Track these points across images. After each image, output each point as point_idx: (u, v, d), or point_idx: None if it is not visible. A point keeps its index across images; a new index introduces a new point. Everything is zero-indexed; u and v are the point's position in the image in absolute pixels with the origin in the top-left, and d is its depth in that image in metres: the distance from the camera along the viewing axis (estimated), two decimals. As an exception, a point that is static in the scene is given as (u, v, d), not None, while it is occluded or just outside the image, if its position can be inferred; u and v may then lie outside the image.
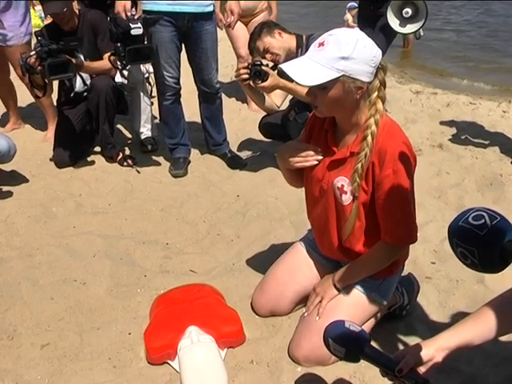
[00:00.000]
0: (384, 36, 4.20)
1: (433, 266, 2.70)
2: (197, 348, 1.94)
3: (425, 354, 1.45)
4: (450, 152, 4.22)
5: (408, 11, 3.78)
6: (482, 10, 13.32)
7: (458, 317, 2.32)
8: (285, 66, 1.81)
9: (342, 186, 1.93)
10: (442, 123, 4.88)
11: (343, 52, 1.72)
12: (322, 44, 1.76)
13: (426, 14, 3.78)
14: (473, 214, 1.37)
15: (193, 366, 1.91)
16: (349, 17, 10.00)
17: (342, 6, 11.06)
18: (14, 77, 4.39)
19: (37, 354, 2.09)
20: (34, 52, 3.27)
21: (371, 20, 4.27)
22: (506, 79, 7.28)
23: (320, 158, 1.98)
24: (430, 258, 2.76)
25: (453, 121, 4.95)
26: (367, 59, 1.74)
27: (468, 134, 4.62)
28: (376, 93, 1.82)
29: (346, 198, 1.93)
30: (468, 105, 5.53)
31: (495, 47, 9.69)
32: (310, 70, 1.75)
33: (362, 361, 2.03)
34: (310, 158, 1.99)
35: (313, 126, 2.09)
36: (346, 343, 1.53)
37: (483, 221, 1.36)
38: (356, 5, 9.70)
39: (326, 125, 2.00)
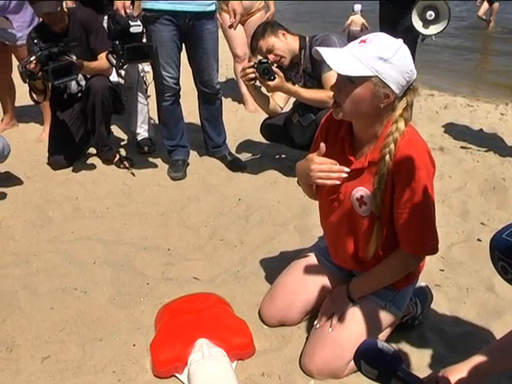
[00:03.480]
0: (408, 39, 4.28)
1: (442, 274, 2.64)
2: (209, 363, 1.86)
3: (458, 378, 1.39)
4: (451, 155, 4.18)
5: (432, 14, 3.88)
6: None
7: (471, 326, 2.28)
8: (321, 50, 1.75)
9: (362, 196, 1.86)
10: (441, 126, 4.85)
11: (383, 53, 1.68)
12: (364, 41, 1.73)
13: (448, 16, 3.84)
14: None
15: (205, 381, 1.83)
16: (356, 19, 9.82)
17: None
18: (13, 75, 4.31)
19: (37, 368, 2.00)
20: (33, 57, 3.15)
21: (391, 19, 4.40)
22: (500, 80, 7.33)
23: (344, 176, 1.83)
24: (438, 265, 2.70)
25: (452, 123, 4.91)
26: (403, 70, 1.70)
27: (468, 136, 4.59)
28: (400, 111, 1.77)
29: (366, 209, 1.87)
30: (466, 107, 5.51)
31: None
32: (345, 60, 1.71)
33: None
34: (333, 175, 1.83)
35: (327, 132, 2.02)
36: (379, 366, 1.48)
37: None
38: (360, 7, 9.63)
39: (343, 133, 1.93)
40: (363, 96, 1.72)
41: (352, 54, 1.71)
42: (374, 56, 1.68)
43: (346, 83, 1.74)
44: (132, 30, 3.18)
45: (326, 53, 1.75)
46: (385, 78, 1.69)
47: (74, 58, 3.38)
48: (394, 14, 4.41)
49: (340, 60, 1.72)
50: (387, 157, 1.76)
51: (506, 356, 1.42)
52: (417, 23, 4.01)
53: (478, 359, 1.44)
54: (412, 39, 4.33)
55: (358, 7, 9.72)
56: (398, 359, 1.49)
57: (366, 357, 1.50)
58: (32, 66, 3.15)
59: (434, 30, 4.05)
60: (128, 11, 3.23)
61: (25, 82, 3.28)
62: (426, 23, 4.02)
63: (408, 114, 1.78)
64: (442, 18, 3.96)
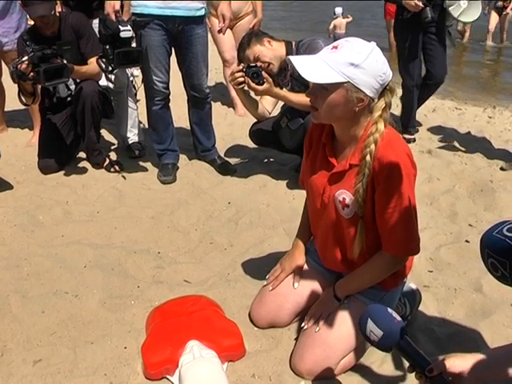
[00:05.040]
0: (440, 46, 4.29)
1: (430, 275, 2.67)
2: (200, 364, 1.87)
3: (460, 364, 1.40)
4: (440, 158, 4.22)
5: (465, 2, 3.73)
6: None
7: (459, 326, 2.31)
8: (293, 59, 1.78)
9: (344, 199, 1.88)
10: (429, 129, 4.90)
11: (354, 59, 1.69)
12: (335, 47, 1.74)
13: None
14: (508, 226, 1.33)
15: (196, 382, 1.84)
16: (339, 22, 9.91)
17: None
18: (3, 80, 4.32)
19: (29, 371, 2.00)
20: (25, 58, 3.15)
21: (412, 26, 4.27)
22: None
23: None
24: (427, 267, 2.73)
25: (440, 126, 4.97)
26: (376, 74, 1.72)
27: (456, 139, 4.64)
28: (379, 112, 1.79)
29: (349, 212, 1.89)
30: (454, 110, 5.56)
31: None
32: (316, 68, 1.73)
33: (365, 373, 2.02)
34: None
35: (311, 140, 2.06)
36: (386, 327, 1.47)
37: None
38: (341, 10, 9.71)
39: (324, 138, 1.96)
40: (337, 101, 1.75)
41: (324, 61, 1.73)
42: (345, 62, 1.70)
43: (320, 90, 1.76)
44: (122, 34, 3.19)
45: (297, 62, 1.77)
46: (357, 83, 1.71)
47: (65, 61, 3.39)
48: (418, 26, 4.23)
49: (311, 68, 1.74)
50: (368, 157, 1.78)
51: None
52: (453, 10, 3.89)
53: (481, 357, 1.45)
54: (443, 45, 4.32)
55: (338, 10, 9.82)
56: (404, 327, 1.49)
57: (376, 315, 1.50)
58: (24, 66, 3.15)
59: (467, 17, 3.96)
60: (117, 15, 3.24)
61: (14, 82, 3.27)
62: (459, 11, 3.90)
63: (387, 114, 1.81)
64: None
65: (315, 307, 2.07)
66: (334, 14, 9.96)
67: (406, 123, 4.62)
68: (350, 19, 9.85)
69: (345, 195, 1.88)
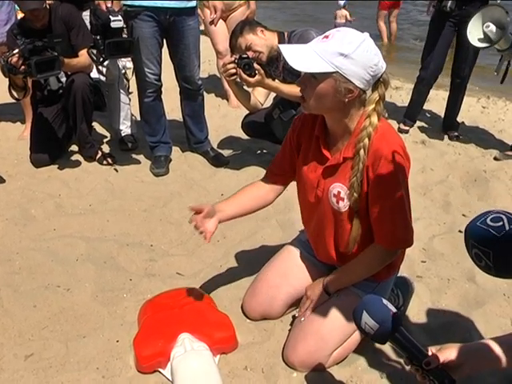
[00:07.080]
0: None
1: (423, 265, 2.67)
2: (191, 357, 1.87)
3: (455, 355, 1.40)
4: (433, 148, 4.23)
5: (488, 25, 3.40)
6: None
7: (452, 317, 2.32)
8: (282, 47, 1.76)
9: (339, 192, 1.87)
10: (423, 119, 4.88)
11: (344, 49, 1.67)
12: (326, 37, 1.72)
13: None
14: (491, 216, 1.33)
15: (187, 375, 1.83)
16: (339, 12, 9.94)
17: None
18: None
19: (21, 366, 1.99)
20: (16, 51, 3.11)
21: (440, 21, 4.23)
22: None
23: None
24: (420, 257, 2.73)
25: (434, 116, 4.96)
26: (366, 65, 1.69)
27: (450, 129, 4.62)
28: (373, 105, 1.77)
29: (343, 205, 1.87)
30: (448, 100, 5.53)
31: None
32: (306, 57, 1.70)
33: (358, 364, 2.02)
34: None
35: (300, 133, 2.03)
36: (381, 321, 1.45)
37: (501, 223, 1.31)
38: (344, 2, 9.73)
39: (317, 131, 1.94)
40: (325, 91, 1.72)
41: (313, 51, 1.70)
42: (334, 52, 1.67)
43: (310, 79, 1.74)
44: (113, 24, 3.16)
45: (286, 50, 1.74)
46: (346, 73, 1.68)
47: (56, 54, 3.35)
48: (446, 21, 4.18)
49: (300, 57, 1.71)
50: (361, 151, 1.76)
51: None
52: (471, 36, 3.54)
53: (476, 347, 1.45)
54: (471, 49, 4.13)
55: (342, 1, 9.84)
56: (400, 319, 1.47)
57: (370, 307, 1.48)
58: (14, 59, 3.11)
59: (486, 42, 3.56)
60: (109, 5, 3.21)
61: (5, 75, 3.23)
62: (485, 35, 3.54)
63: (381, 107, 1.78)
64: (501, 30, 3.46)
65: (305, 298, 2.07)
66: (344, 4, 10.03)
67: (405, 113, 4.61)
68: (352, 19, 9.87)
69: (339, 188, 1.87)
